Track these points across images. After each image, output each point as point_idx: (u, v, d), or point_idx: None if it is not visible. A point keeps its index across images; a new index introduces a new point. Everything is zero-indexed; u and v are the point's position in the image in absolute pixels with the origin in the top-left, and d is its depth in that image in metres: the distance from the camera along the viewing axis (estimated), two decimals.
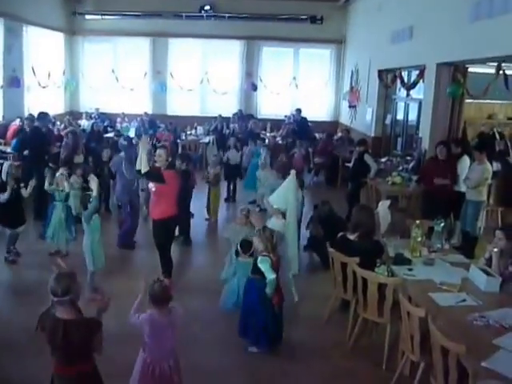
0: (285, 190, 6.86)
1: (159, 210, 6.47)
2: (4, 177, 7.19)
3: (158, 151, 6.63)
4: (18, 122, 12.90)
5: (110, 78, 17.66)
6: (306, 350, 5.36)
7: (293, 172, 7.01)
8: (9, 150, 11.22)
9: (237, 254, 5.91)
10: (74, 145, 10.76)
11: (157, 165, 6.51)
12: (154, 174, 6.39)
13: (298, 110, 15.94)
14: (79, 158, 10.16)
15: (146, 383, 3.87)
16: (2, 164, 7.90)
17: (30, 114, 12.18)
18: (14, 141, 11.43)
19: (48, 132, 10.87)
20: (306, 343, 5.49)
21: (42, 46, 15.42)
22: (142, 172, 6.33)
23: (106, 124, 15.97)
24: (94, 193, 6.27)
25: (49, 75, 15.80)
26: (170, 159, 6.71)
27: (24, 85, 14.15)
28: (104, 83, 17.66)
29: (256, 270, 5.05)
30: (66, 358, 3.39)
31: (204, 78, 17.70)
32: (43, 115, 10.57)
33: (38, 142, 9.93)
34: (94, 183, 6.33)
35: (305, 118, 15.87)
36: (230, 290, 5.93)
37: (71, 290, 3.35)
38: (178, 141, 14.60)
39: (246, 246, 5.74)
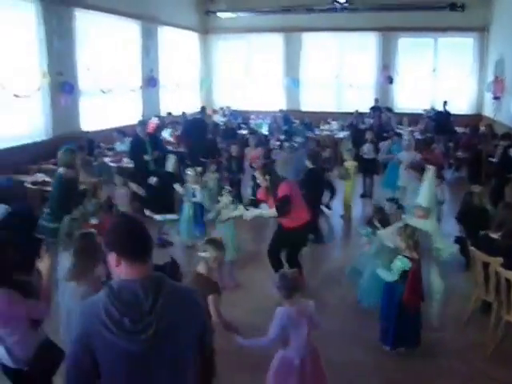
0: (425, 187, 6.85)
1: (288, 219, 6.36)
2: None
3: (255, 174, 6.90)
4: (155, 120, 13.96)
5: (244, 75, 18.37)
6: (444, 350, 5.34)
7: (432, 168, 6.97)
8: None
9: (374, 230, 5.96)
10: None
11: (262, 186, 6.58)
12: (281, 208, 6.31)
13: (445, 103, 15.55)
14: None
15: (279, 378, 4.04)
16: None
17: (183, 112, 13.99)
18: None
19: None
20: (445, 344, 5.47)
21: (177, 46, 16.48)
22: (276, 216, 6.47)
23: (239, 121, 16.68)
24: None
25: (184, 74, 16.87)
26: (267, 176, 6.57)
27: (160, 84, 15.24)
28: (237, 80, 18.38)
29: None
30: None
31: (339, 72, 17.79)
32: (202, 109, 12.45)
33: (198, 132, 11.39)
34: None
35: (447, 112, 15.49)
36: (365, 281, 6.01)
37: None
38: (313, 135, 14.82)
39: (380, 213, 5.89)
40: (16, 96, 9.49)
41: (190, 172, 8.12)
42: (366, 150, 11.25)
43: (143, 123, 9.45)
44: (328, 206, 10.03)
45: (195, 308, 2.52)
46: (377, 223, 6.09)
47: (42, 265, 3.68)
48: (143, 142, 8.99)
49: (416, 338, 5.23)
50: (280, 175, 6.77)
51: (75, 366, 2.35)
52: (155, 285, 2.33)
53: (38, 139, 10.12)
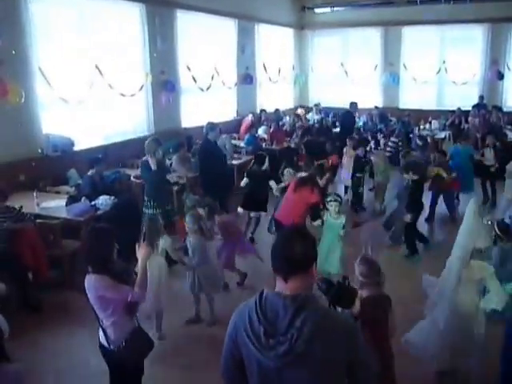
0: None
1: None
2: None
3: None
4: (250, 117, 14.97)
5: (339, 72, 18.99)
6: None
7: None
8: (242, 144, 13.15)
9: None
10: None
11: None
12: None
13: None
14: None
15: None
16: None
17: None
18: (247, 136, 13.44)
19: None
20: None
21: (272, 43, 17.37)
22: None
23: (334, 119, 17.33)
24: None
25: (279, 71, 17.77)
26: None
27: (256, 81, 16.25)
28: (333, 77, 19.04)
29: None
30: None
31: (441, 67, 17.87)
32: (352, 104, 14.86)
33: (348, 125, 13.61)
34: None
35: None
36: None
37: None
38: (411, 136, 15.26)
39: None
40: (122, 95, 10.78)
41: (286, 172, 8.78)
42: (487, 155, 11.11)
43: (213, 129, 9.75)
44: None
45: (343, 338, 2.46)
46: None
47: (139, 254, 4.20)
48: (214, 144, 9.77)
49: None
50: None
51: (227, 357, 2.69)
52: (297, 305, 2.40)
53: (141, 135, 11.30)
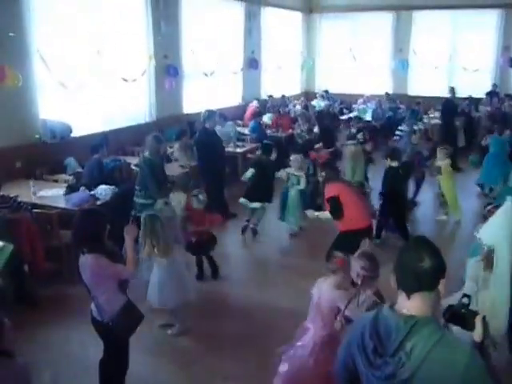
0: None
1: (340, 223, 6.61)
2: None
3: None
4: (255, 103, 14.68)
5: (348, 57, 18.65)
6: None
7: None
8: (246, 131, 12.86)
9: None
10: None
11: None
12: (333, 211, 6.55)
13: None
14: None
15: None
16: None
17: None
18: (251, 123, 13.14)
19: None
20: None
21: (279, 27, 17.05)
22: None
23: (341, 106, 17.05)
24: None
25: (286, 56, 17.46)
26: (323, 173, 7.06)
27: (262, 67, 15.96)
28: (341, 62, 18.68)
29: None
30: None
31: (452, 53, 17.65)
32: (452, 89, 14.27)
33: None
34: None
35: None
36: None
37: None
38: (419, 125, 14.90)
39: None
40: (123, 80, 10.49)
41: (293, 158, 8.63)
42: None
43: (210, 116, 9.53)
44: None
45: (458, 372, 2.16)
46: None
47: (127, 235, 4.36)
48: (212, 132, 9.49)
49: None
50: (334, 174, 7.00)
51: (341, 364, 2.61)
52: (410, 328, 2.23)
53: (142, 121, 11.14)
